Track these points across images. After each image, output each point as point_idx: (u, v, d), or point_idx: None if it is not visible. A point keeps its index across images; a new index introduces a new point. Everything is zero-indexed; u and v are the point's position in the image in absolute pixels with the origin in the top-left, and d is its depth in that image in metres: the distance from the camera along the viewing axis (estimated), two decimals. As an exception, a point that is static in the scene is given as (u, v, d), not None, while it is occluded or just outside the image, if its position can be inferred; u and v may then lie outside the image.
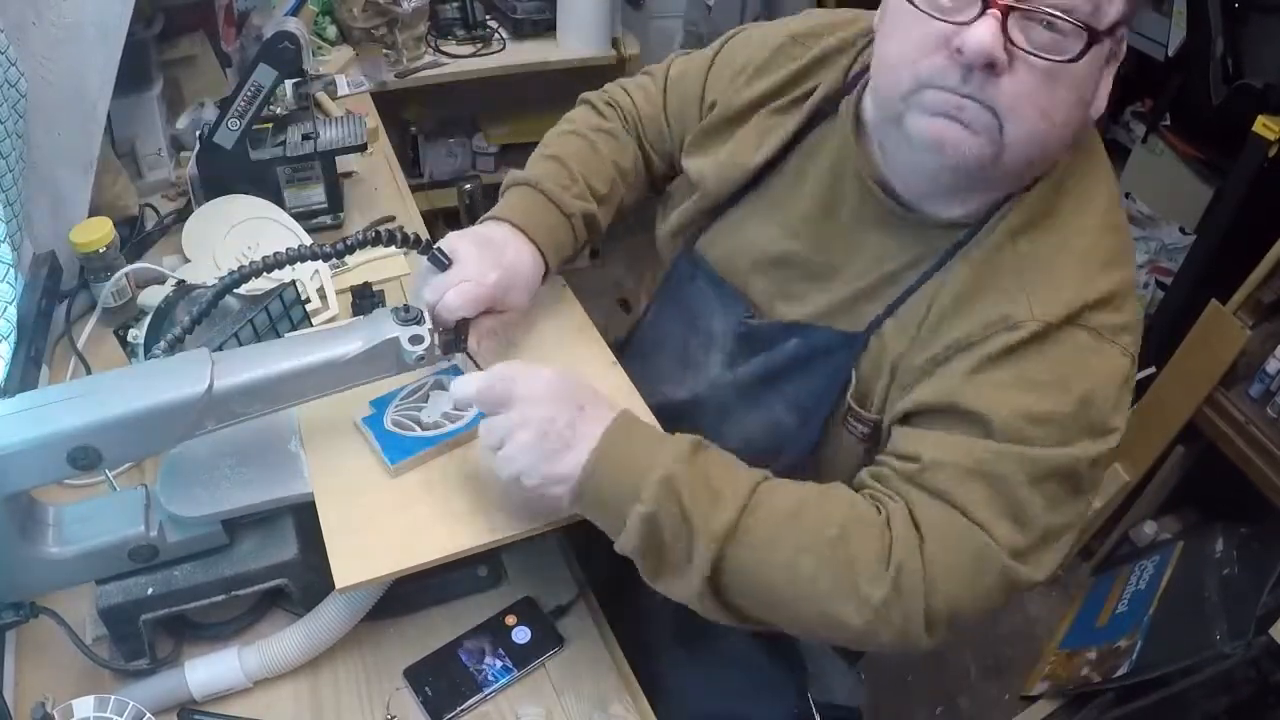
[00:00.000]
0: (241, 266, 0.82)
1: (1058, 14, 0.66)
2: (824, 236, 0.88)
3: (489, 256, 0.88)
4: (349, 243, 0.85)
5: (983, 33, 0.66)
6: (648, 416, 0.91)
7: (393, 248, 0.86)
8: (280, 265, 0.83)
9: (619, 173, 1.03)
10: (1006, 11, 0.65)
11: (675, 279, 1.01)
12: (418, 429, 0.87)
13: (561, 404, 0.75)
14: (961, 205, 0.79)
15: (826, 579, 0.71)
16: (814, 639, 0.81)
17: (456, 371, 0.92)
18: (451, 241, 0.89)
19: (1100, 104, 0.73)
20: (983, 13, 0.66)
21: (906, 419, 0.79)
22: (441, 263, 0.85)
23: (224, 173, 1.35)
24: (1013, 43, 0.66)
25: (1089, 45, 0.67)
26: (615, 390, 0.94)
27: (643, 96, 1.07)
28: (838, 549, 0.71)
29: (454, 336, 0.86)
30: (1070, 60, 0.67)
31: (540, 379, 0.76)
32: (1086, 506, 0.76)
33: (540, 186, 0.96)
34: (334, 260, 0.85)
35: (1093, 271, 0.74)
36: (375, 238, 0.83)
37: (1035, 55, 0.67)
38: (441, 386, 0.91)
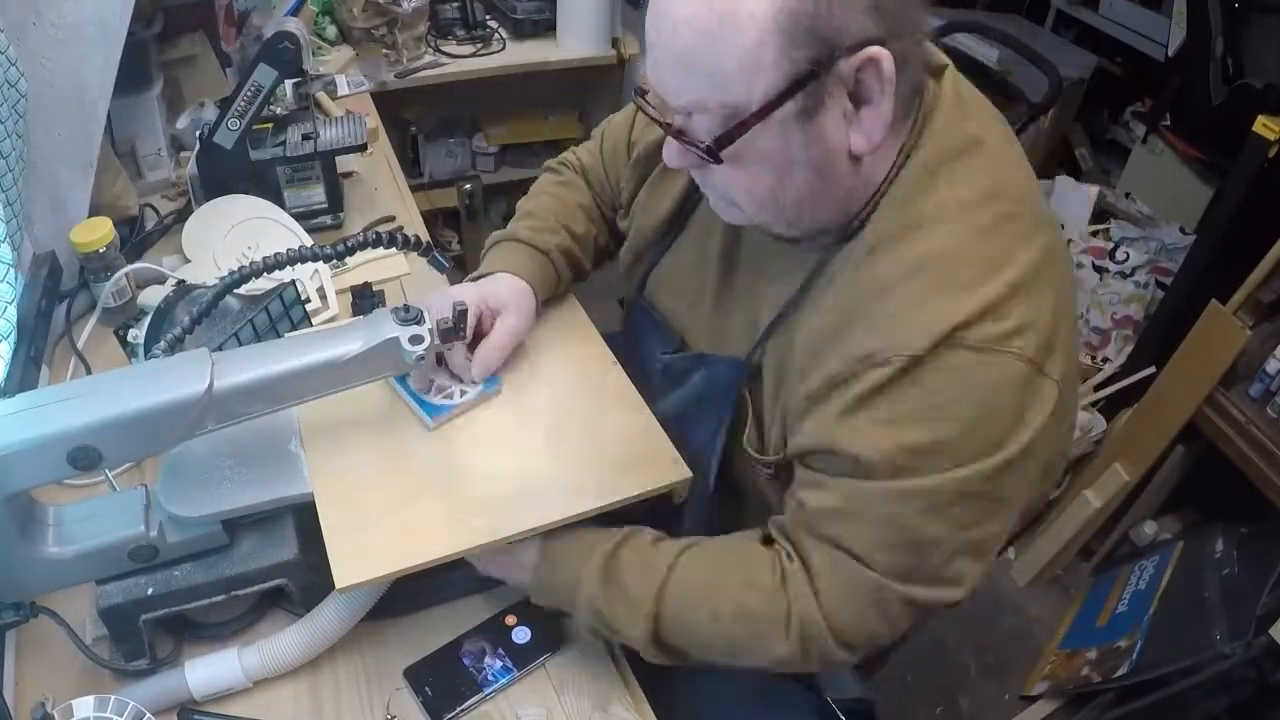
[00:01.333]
0: (242, 267, 0.82)
1: (680, 139, 0.72)
2: (731, 268, 0.91)
3: (464, 288, 0.98)
4: (349, 244, 0.85)
5: (665, 149, 0.76)
6: (647, 413, 0.92)
7: (393, 248, 0.86)
8: (280, 266, 0.83)
9: (584, 211, 1.11)
10: (674, 132, 0.72)
11: (632, 320, 1.06)
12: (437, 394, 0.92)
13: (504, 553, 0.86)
14: (805, 226, 0.79)
15: (743, 646, 0.80)
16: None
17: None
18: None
19: (861, 140, 0.70)
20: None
21: (800, 459, 0.80)
22: (440, 265, 0.85)
23: (224, 173, 1.35)
24: (688, 144, 0.71)
25: (717, 148, 0.69)
26: (615, 390, 0.95)
27: (586, 153, 1.15)
28: (741, 622, 0.79)
29: (452, 325, 0.86)
30: (711, 161, 0.71)
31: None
32: (1008, 514, 0.74)
33: (516, 237, 1.04)
34: (334, 261, 0.85)
35: (957, 290, 0.69)
36: (375, 239, 0.83)
37: (695, 150, 0.71)
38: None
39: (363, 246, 0.84)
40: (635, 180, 1.02)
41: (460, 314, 0.86)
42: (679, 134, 0.72)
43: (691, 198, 0.95)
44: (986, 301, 0.68)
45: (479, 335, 0.94)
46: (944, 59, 0.78)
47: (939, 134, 0.73)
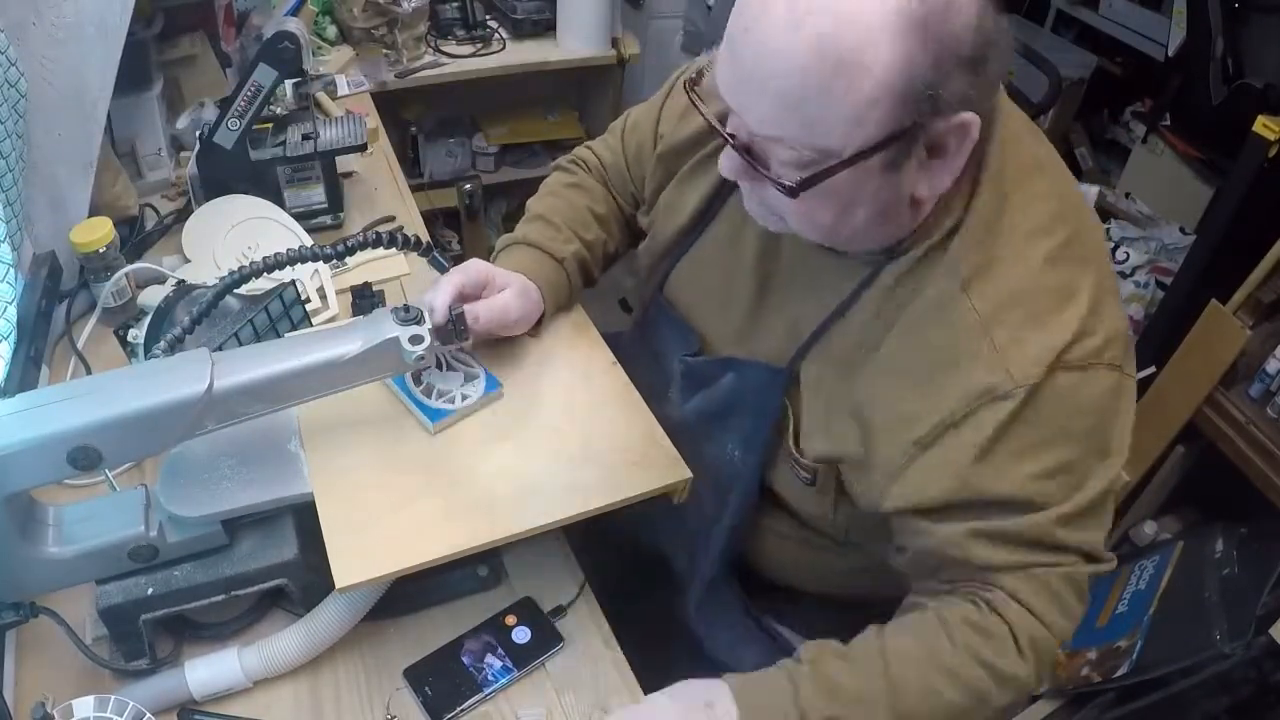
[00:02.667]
0: (242, 267, 0.82)
1: (753, 165, 0.70)
2: (769, 274, 0.89)
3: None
4: (349, 244, 0.85)
5: (723, 159, 0.74)
6: (646, 413, 0.92)
7: (393, 249, 0.86)
8: (280, 266, 0.83)
9: (595, 217, 1.08)
10: (740, 148, 0.70)
11: (648, 319, 1.04)
12: (438, 398, 0.91)
13: (691, 712, 0.77)
14: (844, 248, 0.80)
15: (987, 689, 0.75)
16: None
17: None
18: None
19: (926, 189, 0.71)
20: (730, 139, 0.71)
21: (928, 513, 0.77)
22: (440, 265, 0.85)
23: (224, 173, 1.35)
24: (756, 166, 0.70)
25: (803, 185, 0.68)
26: (615, 390, 0.95)
27: (605, 148, 1.12)
28: (979, 666, 0.75)
29: (452, 326, 0.86)
30: (788, 193, 0.69)
31: (658, 707, 0.79)
32: (1116, 473, 0.77)
33: (529, 241, 1.01)
34: (334, 261, 0.85)
35: (1050, 315, 0.73)
36: (375, 239, 0.83)
37: (770, 180, 0.70)
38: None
39: (363, 246, 0.84)
40: (661, 176, 0.99)
41: (458, 315, 0.86)
42: (746, 150, 0.70)
43: (719, 195, 0.93)
44: (1077, 323, 0.72)
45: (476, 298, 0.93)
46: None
47: (1008, 155, 0.75)
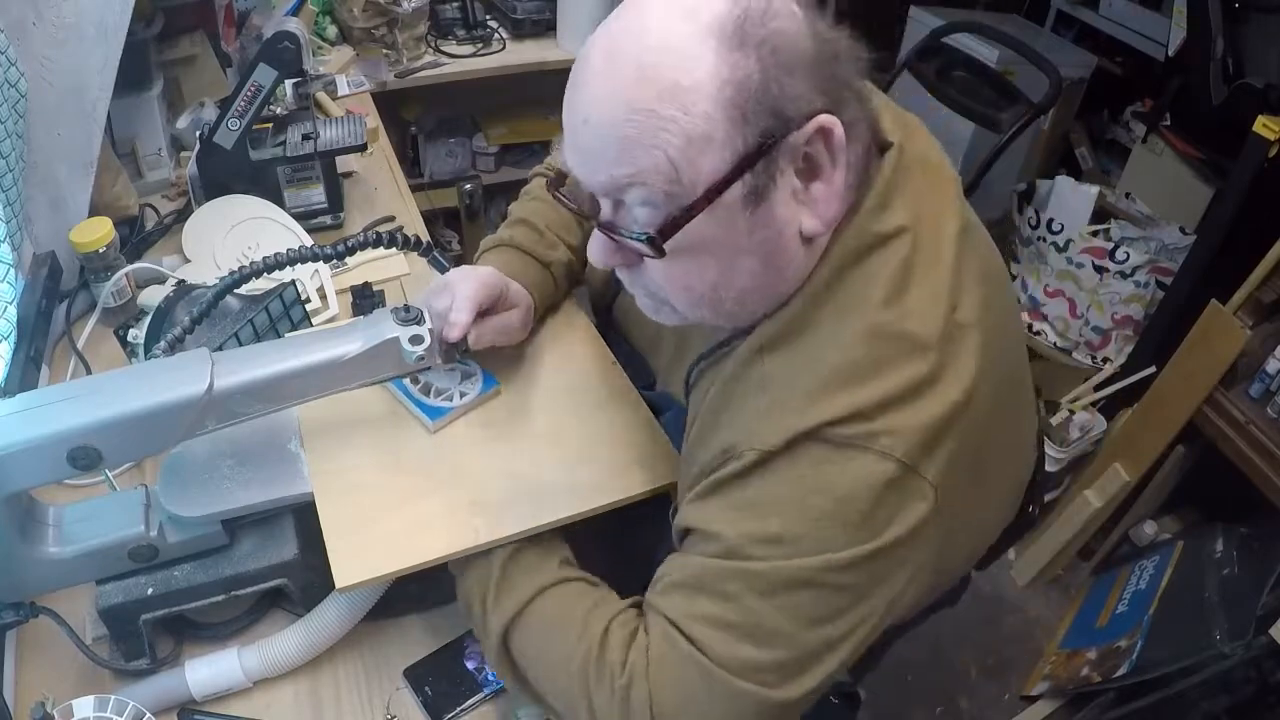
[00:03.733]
0: (242, 267, 0.82)
1: (612, 235, 0.66)
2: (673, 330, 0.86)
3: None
4: (349, 244, 0.85)
5: (591, 246, 0.70)
6: (646, 413, 0.92)
7: (393, 249, 0.86)
8: (280, 266, 0.83)
9: (577, 221, 1.05)
10: (605, 226, 0.67)
11: (609, 338, 1.02)
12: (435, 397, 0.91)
13: None
14: (743, 320, 0.74)
15: (571, 695, 0.72)
16: None
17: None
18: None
19: (813, 220, 0.65)
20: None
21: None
22: (440, 265, 0.85)
23: (224, 173, 1.35)
24: (617, 236, 0.66)
25: (660, 239, 0.63)
26: (615, 390, 0.95)
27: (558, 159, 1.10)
28: (577, 677, 0.72)
29: (453, 342, 0.86)
30: (652, 254, 0.64)
31: None
32: (868, 616, 0.67)
33: (517, 245, 0.99)
34: (334, 261, 0.85)
35: (830, 391, 0.65)
36: (375, 239, 0.83)
37: (632, 242, 0.65)
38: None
39: (363, 246, 0.84)
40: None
41: None
42: (610, 228, 0.66)
43: None
44: (855, 406, 0.64)
45: (486, 313, 0.90)
46: (891, 136, 0.72)
47: (853, 230, 0.67)
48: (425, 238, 0.91)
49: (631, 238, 0.64)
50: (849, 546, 0.64)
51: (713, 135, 0.59)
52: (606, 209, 0.67)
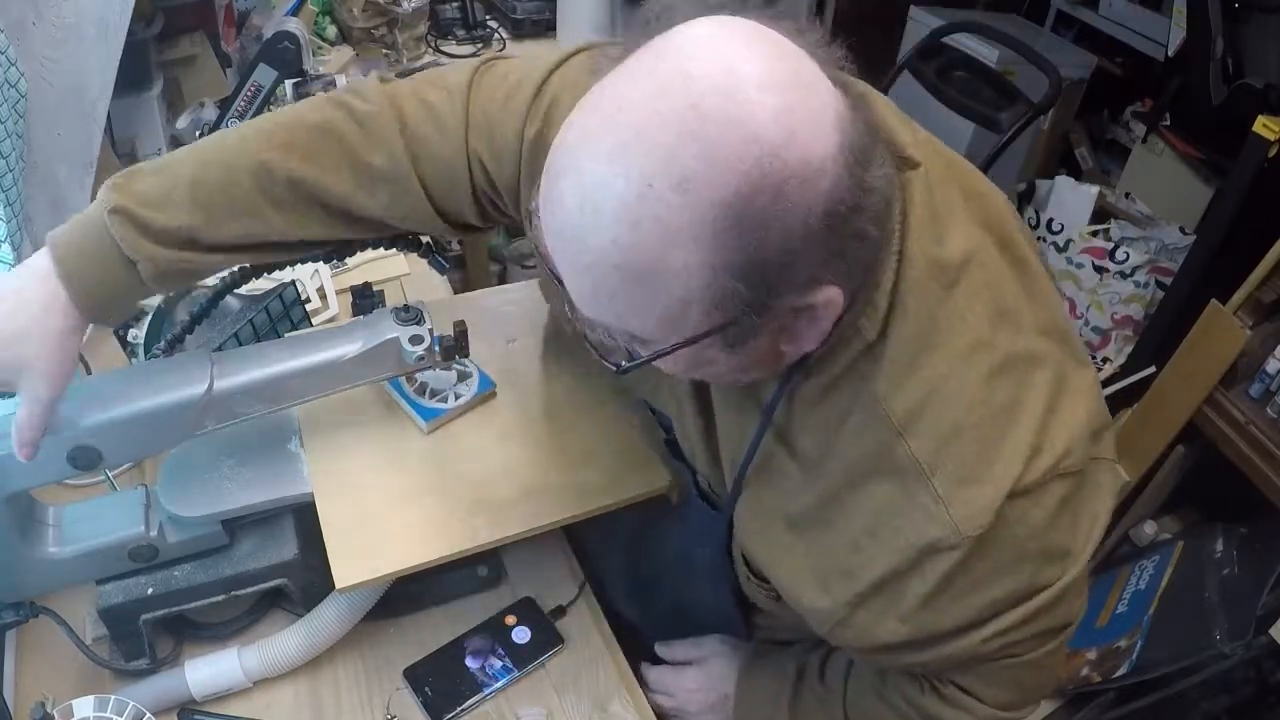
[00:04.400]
0: (241, 267, 0.82)
1: (594, 352, 0.62)
2: (691, 386, 0.78)
3: None
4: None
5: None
6: (646, 413, 0.91)
7: (393, 249, 0.86)
8: (280, 266, 0.83)
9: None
10: (574, 312, 0.59)
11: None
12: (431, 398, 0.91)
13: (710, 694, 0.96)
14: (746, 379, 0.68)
15: None
16: None
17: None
18: None
19: (792, 349, 0.60)
20: None
21: (877, 651, 0.72)
22: (440, 265, 0.85)
23: (224, 173, 1.35)
24: (587, 340, 0.61)
25: (622, 371, 0.59)
26: (613, 391, 0.95)
27: None
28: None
29: (455, 343, 0.86)
30: (614, 369, 0.60)
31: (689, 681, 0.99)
32: (1085, 597, 0.71)
33: None
34: (334, 261, 0.85)
35: (996, 445, 0.62)
36: (376, 239, 0.83)
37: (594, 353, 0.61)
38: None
39: (363, 247, 0.84)
40: None
41: (461, 333, 0.86)
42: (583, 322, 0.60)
43: None
44: (1028, 447, 0.62)
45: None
46: (914, 150, 0.63)
47: (924, 273, 0.62)
48: (425, 238, 0.90)
49: (598, 356, 0.61)
50: (1077, 562, 0.66)
51: (686, 315, 0.54)
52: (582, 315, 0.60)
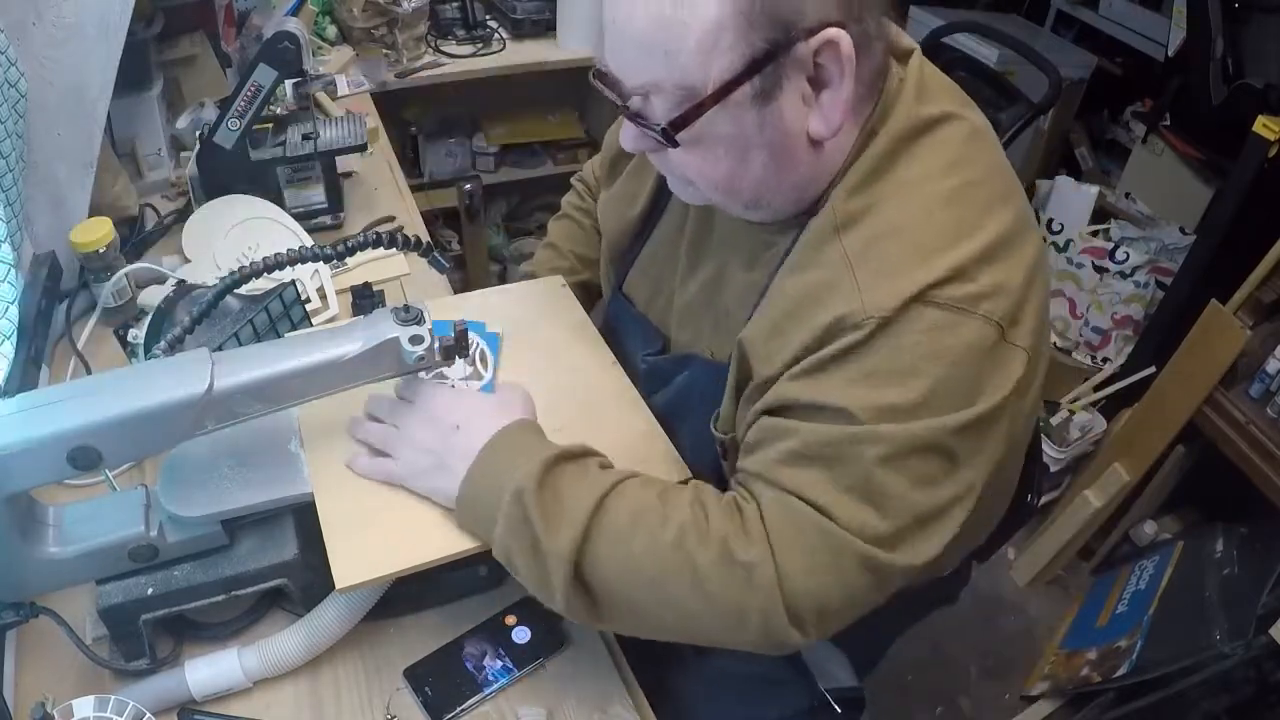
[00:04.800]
0: (242, 267, 0.82)
1: (637, 123, 0.72)
2: (705, 266, 0.89)
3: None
4: (349, 244, 0.85)
5: (622, 132, 0.76)
6: (646, 413, 0.92)
7: (393, 249, 0.86)
8: (280, 266, 0.83)
9: (599, 232, 1.10)
10: (631, 115, 0.72)
11: (613, 318, 1.05)
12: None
13: (439, 423, 0.83)
14: (763, 212, 0.79)
15: (675, 580, 0.71)
16: (683, 642, 0.77)
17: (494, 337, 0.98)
18: None
19: (819, 124, 0.70)
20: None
21: (757, 417, 0.76)
22: (440, 265, 0.85)
23: (224, 173, 1.35)
24: (641, 123, 0.71)
25: (673, 131, 0.69)
26: (615, 390, 0.95)
27: (596, 163, 1.16)
28: (677, 552, 0.71)
29: (454, 343, 0.86)
30: (667, 144, 0.71)
31: (430, 397, 0.86)
32: (967, 481, 0.70)
33: (537, 274, 1.10)
34: (334, 261, 0.85)
35: (926, 254, 0.68)
36: (375, 239, 0.83)
37: (652, 133, 0.71)
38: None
39: (363, 247, 0.84)
40: (608, 181, 1.03)
41: (461, 333, 0.86)
42: (635, 116, 0.71)
43: (664, 192, 0.95)
44: (955, 264, 0.67)
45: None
46: (910, 43, 0.78)
47: (898, 117, 0.72)
48: (425, 238, 0.91)
49: (649, 128, 0.70)
50: (962, 409, 0.68)
51: (720, 40, 0.64)
52: (636, 100, 0.71)
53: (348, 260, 1.26)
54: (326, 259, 0.83)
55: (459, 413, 0.83)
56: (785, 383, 0.73)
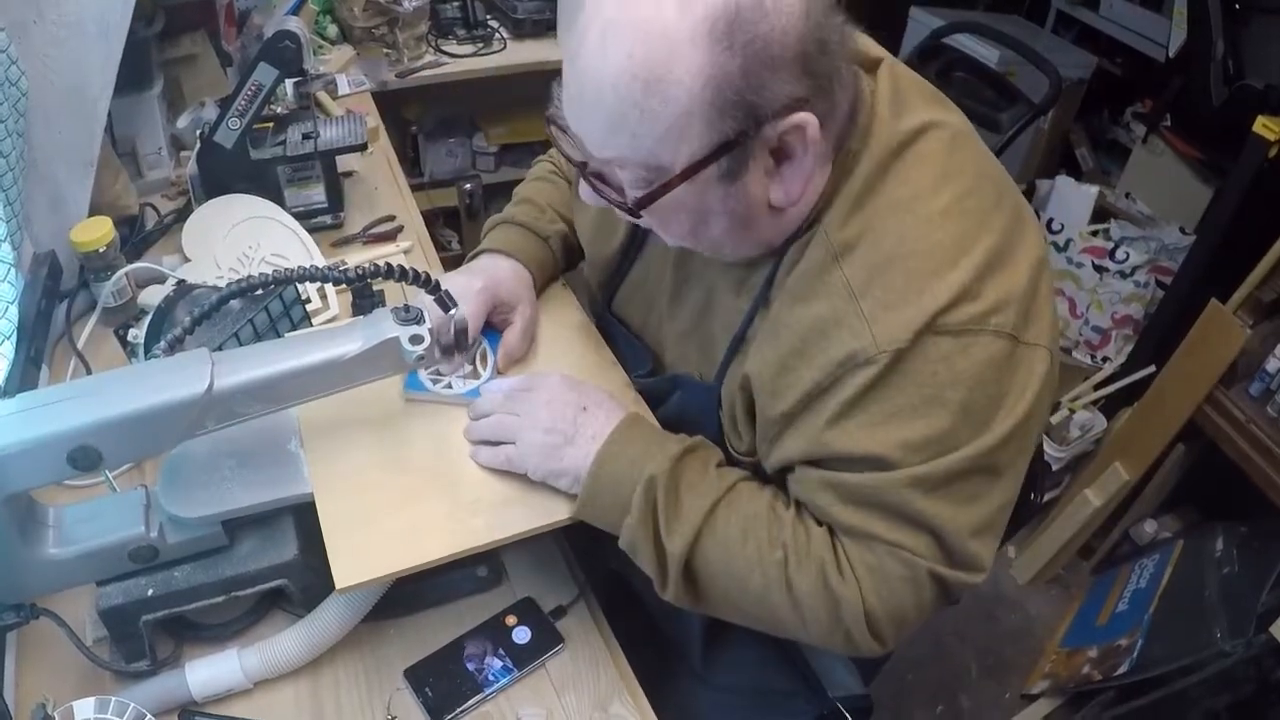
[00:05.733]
0: (250, 277, 0.82)
1: (595, 188, 0.73)
2: (693, 289, 0.89)
3: (471, 273, 0.98)
4: (359, 272, 0.84)
5: (580, 187, 0.76)
6: (645, 412, 0.91)
7: (394, 249, 0.86)
8: (288, 283, 0.82)
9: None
10: (591, 175, 0.73)
11: (605, 336, 1.03)
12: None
13: (565, 404, 0.84)
14: (737, 257, 0.80)
15: (772, 595, 0.76)
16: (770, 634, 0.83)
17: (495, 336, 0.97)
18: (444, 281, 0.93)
19: (780, 194, 0.70)
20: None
21: (787, 470, 0.78)
22: (446, 305, 0.84)
23: (224, 172, 1.35)
24: (600, 190, 0.73)
25: (638, 208, 0.70)
26: (615, 390, 0.94)
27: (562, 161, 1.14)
28: (780, 571, 0.75)
29: (454, 340, 0.86)
30: (628, 217, 0.73)
31: (549, 381, 0.87)
32: (1011, 484, 0.73)
33: (514, 220, 1.05)
34: (341, 285, 0.84)
35: (928, 278, 0.68)
36: (387, 271, 0.81)
37: (614, 203, 0.72)
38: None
39: (374, 276, 0.83)
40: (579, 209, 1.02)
41: (460, 331, 0.86)
42: (597, 177, 0.72)
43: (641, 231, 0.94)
44: (960, 284, 0.68)
45: (490, 325, 0.97)
46: (880, 52, 0.78)
47: (879, 137, 0.73)
48: (435, 276, 0.89)
49: (614, 201, 0.72)
50: (993, 425, 0.69)
51: (691, 127, 0.64)
52: (597, 164, 0.72)
53: (347, 260, 1.25)
54: (335, 282, 0.83)
55: (588, 396, 0.86)
56: (804, 432, 0.74)
